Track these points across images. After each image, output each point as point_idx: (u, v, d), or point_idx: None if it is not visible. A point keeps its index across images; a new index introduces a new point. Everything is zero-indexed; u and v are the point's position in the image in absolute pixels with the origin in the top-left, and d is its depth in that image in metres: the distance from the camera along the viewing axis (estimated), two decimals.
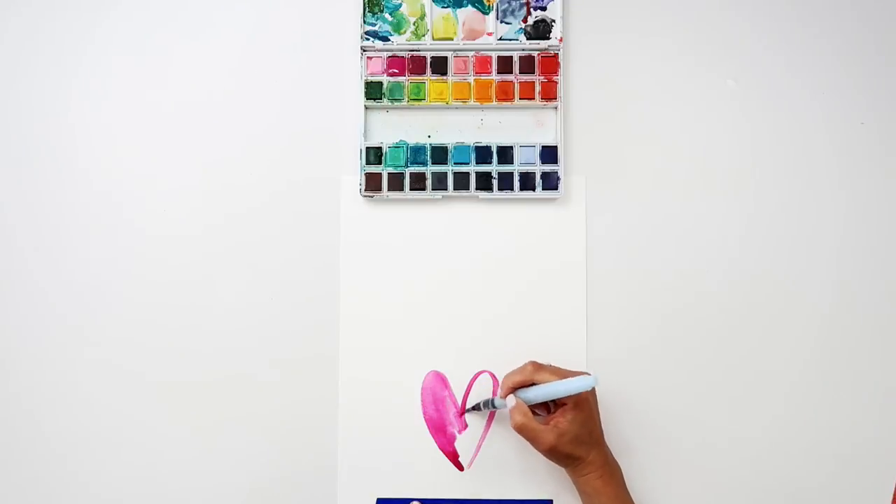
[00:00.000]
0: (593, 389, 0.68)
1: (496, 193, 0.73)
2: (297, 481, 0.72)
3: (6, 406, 0.73)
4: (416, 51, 0.74)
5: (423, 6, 0.74)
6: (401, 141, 0.74)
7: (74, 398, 0.73)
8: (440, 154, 0.74)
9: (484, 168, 0.73)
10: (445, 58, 0.74)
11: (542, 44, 0.74)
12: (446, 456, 0.73)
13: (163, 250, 0.74)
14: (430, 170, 0.74)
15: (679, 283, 0.74)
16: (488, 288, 0.74)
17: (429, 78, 0.74)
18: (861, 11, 0.75)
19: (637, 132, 0.75)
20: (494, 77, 0.74)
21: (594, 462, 0.67)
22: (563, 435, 0.66)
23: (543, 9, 0.74)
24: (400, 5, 0.74)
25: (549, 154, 0.73)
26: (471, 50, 0.74)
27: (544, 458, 0.68)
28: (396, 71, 0.74)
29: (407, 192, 0.73)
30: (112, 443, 0.73)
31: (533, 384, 0.67)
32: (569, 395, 0.66)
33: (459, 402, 0.73)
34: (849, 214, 0.74)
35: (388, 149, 0.74)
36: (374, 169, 0.73)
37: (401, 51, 0.74)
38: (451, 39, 0.74)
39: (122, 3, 0.75)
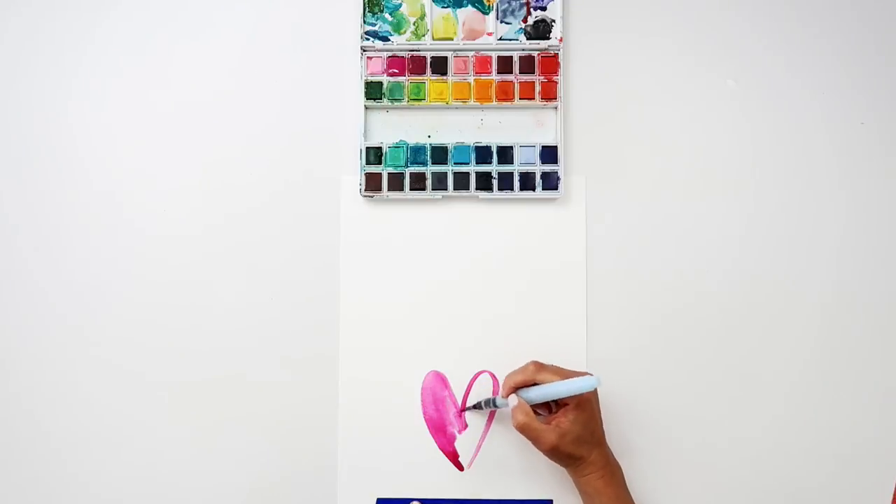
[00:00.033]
0: (595, 390, 0.68)
1: (496, 193, 0.73)
2: (297, 481, 0.72)
3: (6, 406, 0.73)
4: (416, 51, 0.74)
5: (423, 6, 0.74)
6: (401, 141, 0.74)
7: (74, 398, 0.73)
8: (440, 154, 0.74)
9: (484, 168, 0.73)
10: (445, 58, 0.74)
11: (542, 44, 0.74)
12: (446, 456, 0.73)
13: (163, 250, 0.74)
14: (430, 170, 0.74)
15: (679, 284, 0.74)
16: (488, 288, 0.74)
17: (429, 78, 0.74)
18: (861, 11, 0.75)
19: (637, 132, 0.75)
20: (494, 77, 0.74)
21: (595, 462, 0.67)
22: (565, 435, 0.66)
23: (543, 9, 0.74)
24: (400, 5, 0.74)
25: (549, 154, 0.73)
26: (471, 50, 0.74)
27: (545, 458, 0.68)
28: (396, 71, 0.74)
29: (407, 192, 0.73)
30: (112, 443, 0.73)
31: (535, 384, 0.67)
32: (571, 395, 0.66)
33: (459, 402, 0.73)
34: (849, 214, 0.74)
35: (388, 149, 0.74)
36: (374, 169, 0.73)
37: (401, 51, 0.74)
38: (451, 39, 0.74)
39: (122, 3, 0.75)
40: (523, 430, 0.66)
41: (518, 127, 0.75)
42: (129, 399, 0.73)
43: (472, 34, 0.74)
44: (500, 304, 0.74)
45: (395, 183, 0.73)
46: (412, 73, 0.74)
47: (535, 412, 0.67)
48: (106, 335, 0.73)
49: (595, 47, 0.75)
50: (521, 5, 0.74)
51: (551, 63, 0.74)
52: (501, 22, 0.74)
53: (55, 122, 0.75)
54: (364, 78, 0.74)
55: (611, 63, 0.75)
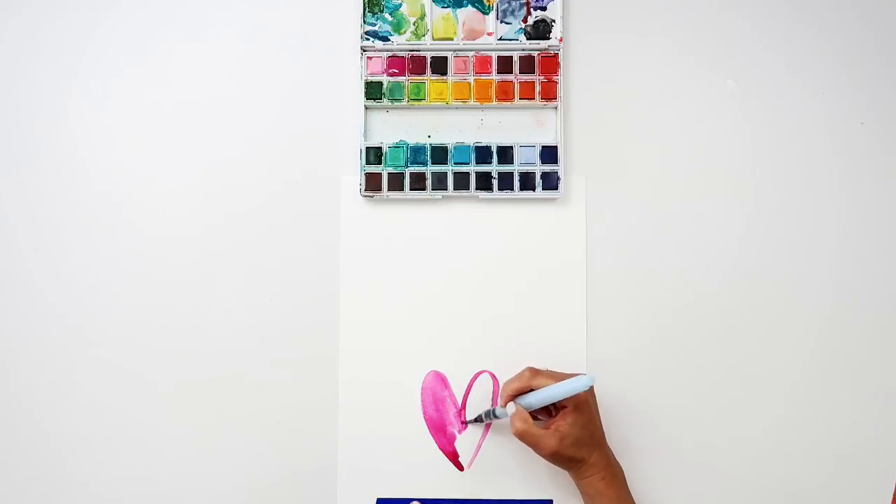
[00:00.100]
0: (592, 391, 0.68)
1: (496, 193, 0.73)
2: (297, 481, 0.72)
3: (6, 406, 0.73)
4: (416, 51, 0.74)
5: (423, 6, 0.74)
6: (401, 141, 0.74)
7: (74, 398, 0.73)
8: (440, 154, 0.74)
9: (484, 168, 0.73)
10: (445, 58, 0.74)
11: (542, 44, 0.74)
12: (446, 456, 0.73)
13: (163, 250, 0.74)
14: (430, 170, 0.74)
15: (679, 284, 0.74)
16: (488, 288, 0.74)
17: (429, 78, 0.74)
18: (861, 11, 0.75)
19: (637, 132, 0.75)
20: (494, 77, 0.74)
21: (596, 464, 0.67)
22: (565, 438, 0.66)
23: (543, 9, 0.74)
24: (400, 5, 0.74)
25: (549, 154, 0.73)
26: (471, 50, 0.74)
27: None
28: (396, 71, 0.74)
29: (407, 192, 0.73)
30: (112, 443, 0.73)
31: (531, 390, 0.67)
32: (567, 396, 0.65)
33: (459, 402, 0.73)
34: (849, 214, 0.74)
35: (388, 149, 0.74)
36: (374, 169, 0.73)
37: (401, 51, 0.74)
38: (451, 39, 0.74)
39: (122, 3, 0.75)
40: (522, 436, 0.66)
41: (518, 127, 0.75)
42: (129, 399, 0.73)
43: (472, 34, 0.74)
44: (500, 304, 0.74)
45: (395, 183, 0.73)
46: (412, 73, 0.74)
47: (535, 418, 0.67)
48: (106, 335, 0.73)
49: (595, 47, 0.75)
50: (521, 5, 0.74)
51: (551, 63, 0.74)
52: (501, 22, 0.74)
53: (55, 122, 0.75)
54: (364, 78, 0.74)
55: (611, 63, 0.75)
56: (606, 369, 0.72)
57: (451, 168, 0.73)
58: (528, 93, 0.74)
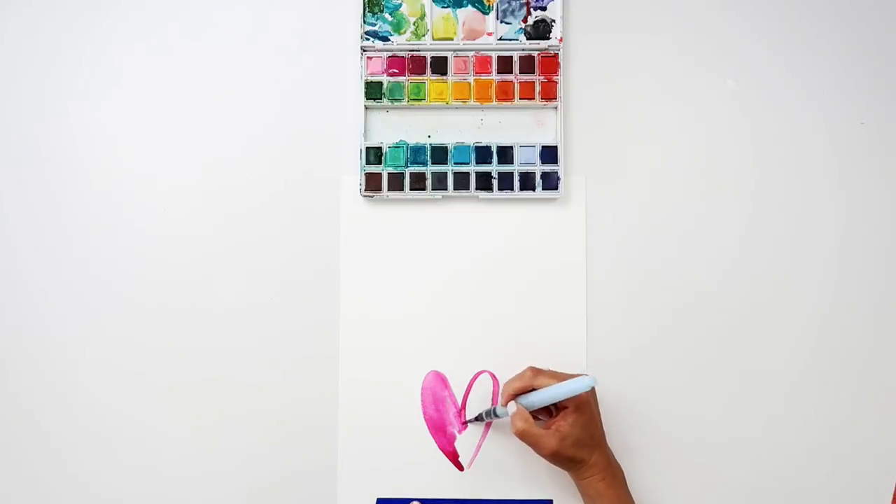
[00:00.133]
0: (593, 391, 0.68)
1: (496, 193, 0.73)
2: (297, 481, 0.72)
3: (6, 406, 0.73)
4: (416, 51, 0.74)
5: (423, 6, 0.74)
6: (401, 141, 0.74)
7: (74, 398, 0.73)
8: (440, 154, 0.74)
9: (484, 168, 0.73)
10: (445, 58, 0.74)
11: (542, 44, 0.74)
12: (446, 456, 0.73)
13: (163, 250, 0.74)
14: (430, 170, 0.74)
15: (679, 284, 0.74)
16: (488, 288, 0.74)
17: (429, 78, 0.74)
18: (861, 11, 0.75)
19: (637, 132, 0.75)
20: (494, 77, 0.74)
21: (597, 464, 0.67)
22: (565, 438, 0.65)
23: (543, 9, 0.74)
24: (400, 5, 0.74)
25: (549, 154, 0.73)
26: (471, 50, 0.74)
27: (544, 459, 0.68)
28: (396, 71, 0.74)
29: (407, 192, 0.73)
30: (112, 443, 0.73)
31: (533, 389, 0.67)
32: (568, 397, 0.65)
33: (459, 402, 0.73)
34: (849, 214, 0.74)
35: (388, 149, 0.74)
36: (374, 169, 0.73)
37: (401, 51, 0.74)
38: (451, 39, 0.74)
39: (122, 3, 0.75)
40: (523, 436, 0.66)
41: (518, 127, 0.75)
42: (129, 399, 0.73)
43: (472, 34, 0.74)
44: (500, 304, 0.74)
45: (395, 183, 0.73)
46: (412, 73, 0.74)
47: (536, 417, 0.67)
48: (106, 335, 0.73)
49: (595, 47, 0.75)
50: (521, 5, 0.74)
51: (551, 63, 0.74)
52: (501, 22, 0.74)
53: (55, 122, 0.75)
54: (364, 78, 0.74)
55: (611, 63, 0.75)
56: (606, 369, 0.72)
57: (451, 168, 0.73)
58: (528, 93, 0.74)
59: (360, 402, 0.73)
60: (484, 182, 0.73)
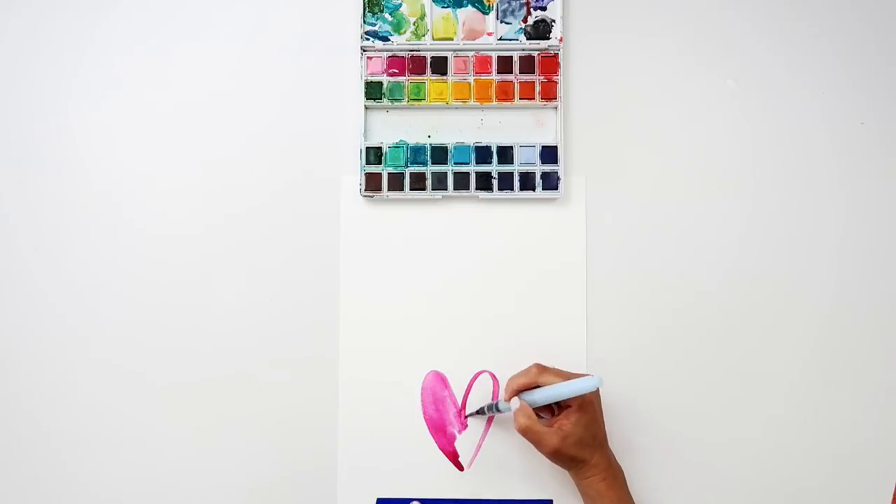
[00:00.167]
0: (597, 392, 0.68)
1: (496, 193, 0.73)
2: (297, 481, 0.72)
3: (6, 406, 0.73)
4: (416, 51, 0.74)
5: (423, 6, 0.74)
6: (401, 141, 0.74)
7: (74, 398, 0.73)
8: (440, 154, 0.74)
9: (484, 168, 0.73)
10: (445, 58, 0.74)
11: (542, 44, 0.74)
12: (446, 456, 0.73)
13: (163, 250, 0.74)
14: (430, 170, 0.74)
15: (679, 284, 0.74)
16: (488, 288, 0.74)
17: (429, 78, 0.74)
18: (861, 11, 0.75)
19: (637, 132, 0.75)
20: (494, 77, 0.74)
21: (598, 465, 0.67)
22: (568, 437, 0.66)
23: (543, 9, 0.74)
24: (400, 5, 0.74)
25: (549, 154, 0.73)
26: (471, 50, 0.74)
27: (545, 458, 0.68)
28: (396, 71, 0.74)
29: (407, 192, 0.73)
30: (112, 443, 0.73)
31: (537, 386, 0.67)
32: (573, 396, 0.66)
33: (459, 402, 0.73)
34: (849, 214, 0.74)
35: (388, 149, 0.74)
36: (374, 169, 0.73)
37: (401, 51, 0.74)
38: (451, 39, 0.74)
39: (122, 3, 0.75)
40: (525, 433, 0.66)
41: (518, 127, 0.75)
42: (129, 399, 0.73)
43: (472, 34, 0.74)
44: (500, 304, 0.74)
45: (395, 183, 0.73)
46: (412, 73, 0.74)
47: (538, 415, 0.67)
48: (106, 335, 0.73)
49: (595, 47, 0.75)
50: (521, 5, 0.74)
51: (551, 63, 0.74)
52: (501, 22, 0.74)
53: (55, 122, 0.75)
54: (364, 78, 0.74)
55: (611, 63, 0.75)
56: (606, 369, 0.72)
57: (451, 168, 0.73)
58: (528, 93, 0.74)
59: (360, 402, 0.73)
60: (484, 182, 0.73)
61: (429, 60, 0.74)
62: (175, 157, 0.74)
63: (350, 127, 0.74)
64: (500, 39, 0.74)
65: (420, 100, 0.74)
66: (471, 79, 0.74)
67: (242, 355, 0.73)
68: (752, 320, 0.73)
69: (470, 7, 0.74)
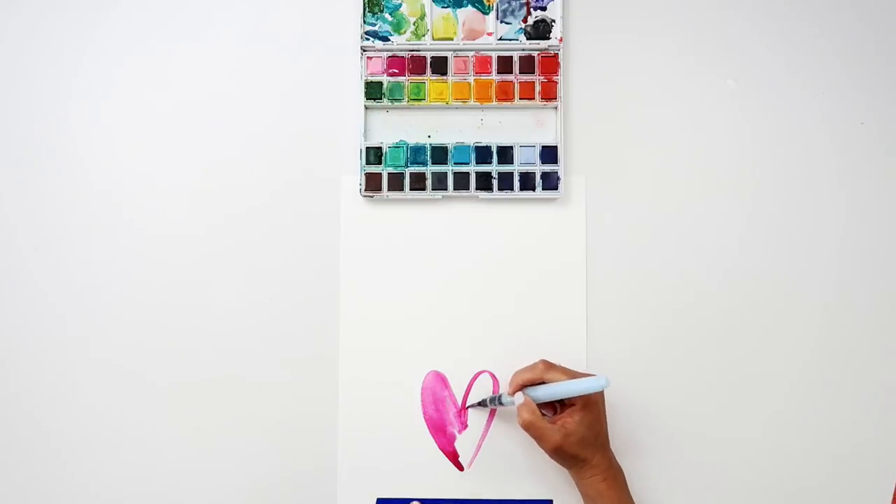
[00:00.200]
0: (602, 392, 0.68)
1: (496, 193, 0.73)
2: (297, 481, 0.72)
3: (6, 406, 0.73)
4: (416, 51, 0.74)
5: (423, 6, 0.74)
6: (401, 141, 0.74)
7: (74, 398, 0.73)
8: (440, 154, 0.74)
9: (484, 168, 0.73)
10: (445, 58, 0.74)
11: (542, 44, 0.74)
12: (446, 456, 0.73)
13: (163, 250, 0.74)
14: (430, 170, 0.74)
15: (679, 284, 0.74)
16: (488, 288, 0.74)
17: (429, 78, 0.74)
18: (861, 11, 0.75)
19: (637, 132, 0.75)
20: (494, 77, 0.74)
21: (599, 465, 0.67)
22: (570, 436, 0.65)
23: (543, 9, 0.74)
24: (400, 5, 0.74)
25: (549, 154, 0.73)
26: (471, 50, 0.74)
27: (545, 458, 0.68)
28: (396, 71, 0.74)
29: (407, 192, 0.73)
30: (112, 443, 0.73)
31: (542, 383, 0.67)
32: (579, 395, 0.65)
33: (459, 402, 0.73)
34: (849, 214, 0.74)
35: (388, 149, 0.74)
36: (374, 169, 0.73)
37: (401, 51, 0.74)
38: (451, 39, 0.74)
39: (122, 3, 0.75)
40: (528, 428, 0.66)
41: (518, 127, 0.75)
42: (129, 399, 0.73)
43: (472, 34, 0.74)
44: (500, 304, 0.74)
45: (395, 183, 0.73)
46: (412, 73, 0.74)
47: (541, 412, 0.67)
48: (106, 335, 0.73)
49: (595, 47, 0.75)
50: (521, 5, 0.74)
51: (551, 63, 0.74)
52: (501, 22, 0.74)
53: (55, 122, 0.75)
54: (364, 78, 0.74)
55: (611, 63, 0.75)
56: (606, 369, 0.72)
57: (451, 168, 0.73)
58: (528, 93, 0.74)
59: (360, 402, 0.73)
60: (484, 182, 0.73)
61: (429, 60, 0.74)
62: (175, 157, 0.74)
63: (350, 127, 0.74)
64: (500, 39, 0.74)
65: (420, 100, 0.74)
66: (471, 79, 0.74)
67: (243, 355, 0.73)
68: (752, 320, 0.73)
69: (470, 7, 0.74)
